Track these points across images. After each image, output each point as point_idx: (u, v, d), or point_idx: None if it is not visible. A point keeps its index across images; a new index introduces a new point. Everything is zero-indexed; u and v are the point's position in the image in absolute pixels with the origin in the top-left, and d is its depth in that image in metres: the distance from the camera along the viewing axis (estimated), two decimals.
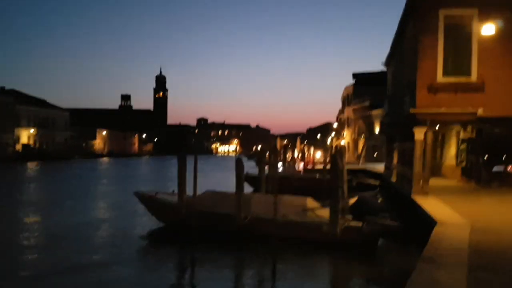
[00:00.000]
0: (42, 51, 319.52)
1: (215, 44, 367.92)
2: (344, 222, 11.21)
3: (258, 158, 15.24)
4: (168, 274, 10.32)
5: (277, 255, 10.93)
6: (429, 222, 10.67)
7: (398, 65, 23.49)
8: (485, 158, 19.31)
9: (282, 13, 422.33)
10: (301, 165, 33.73)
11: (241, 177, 11.81)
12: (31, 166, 56.54)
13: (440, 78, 15.66)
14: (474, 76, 15.37)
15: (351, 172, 27.95)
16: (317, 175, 27.42)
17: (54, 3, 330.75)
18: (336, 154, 11.05)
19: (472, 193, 16.75)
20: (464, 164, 21.00)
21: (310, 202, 12.55)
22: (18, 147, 78.61)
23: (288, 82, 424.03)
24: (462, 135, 21.50)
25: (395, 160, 24.20)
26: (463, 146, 21.28)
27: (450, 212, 11.50)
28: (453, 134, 22.76)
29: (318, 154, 48.71)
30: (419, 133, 15.94)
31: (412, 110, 15.90)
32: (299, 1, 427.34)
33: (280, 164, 33.33)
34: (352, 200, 12.23)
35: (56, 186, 31.07)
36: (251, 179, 25.56)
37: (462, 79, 15.49)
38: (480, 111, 15.23)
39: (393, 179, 23.35)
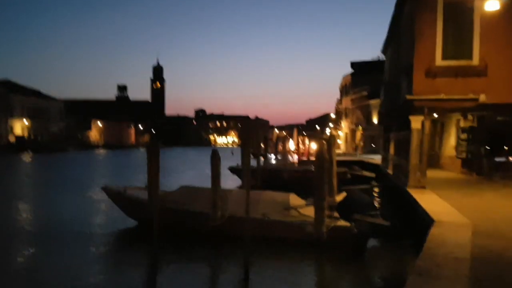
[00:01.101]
0: (37, 42, 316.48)
1: (213, 35, 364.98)
2: (331, 221, 10.01)
3: (243, 150, 13.83)
4: (133, 279, 9.18)
5: (255, 258, 9.77)
6: (425, 221, 9.49)
7: (395, 50, 22.18)
8: (487, 148, 18.14)
9: (280, 3, 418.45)
10: (295, 157, 32.48)
11: (217, 171, 10.56)
12: (23, 157, 55.34)
13: (438, 61, 14.38)
14: (475, 59, 14.09)
15: (346, 163, 26.74)
16: (312, 167, 26.18)
17: None
18: (322, 145, 9.82)
19: (473, 186, 15.57)
20: (464, 155, 19.78)
21: (294, 199, 11.32)
22: (12, 138, 77.33)
23: (288, 73, 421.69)
24: (462, 123, 20.25)
25: (391, 151, 22.99)
26: (463, 136, 20.03)
27: (449, 208, 10.30)
28: (453, 123, 21.52)
29: (314, 146, 47.39)
30: (416, 122, 14.71)
31: (408, 97, 14.64)
32: None
33: (273, 156, 32.26)
34: (340, 197, 11.01)
35: (39, 179, 29.90)
36: (241, 172, 24.38)
37: (462, 63, 14.21)
38: (482, 97, 13.98)
39: (390, 171, 22.16)
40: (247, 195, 8.88)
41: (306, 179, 21.12)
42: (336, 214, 10.69)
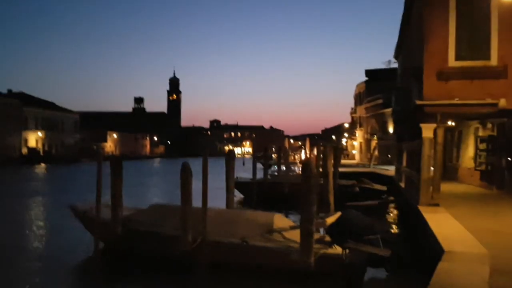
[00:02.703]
0: (54, 54, 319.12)
1: (228, 46, 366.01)
2: (320, 248, 8.45)
3: (227, 162, 12.45)
4: None
5: None
6: (435, 249, 7.87)
7: (406, 54, 20.59)
8: (508, 159, 16.32)
9: (295, 14, 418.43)
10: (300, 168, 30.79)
11: (187, 187, 9.09)
12: (34, 169, 54.82)
13: (452, 62, 12.76)
14: (494, 59, 12.42)
15: (356, 175, 25.08)
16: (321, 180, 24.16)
17: (65, 5, 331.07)
18: (309, 160, 8.28)
19: (493, 202, 13.79)
20: (484, 166, 17.95)
21: (279, 220, 9.77)
22: (24, 150, 77.48)
23: (303, 82, 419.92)
24: (481, 132, 18.44)
25: (404, 162, 21.25)
26: (482, 146, 18.21)
27: (464, 233, 8.63)
28: (470, 132, 19.71)
29: None
30: (427, 130, 13.06)
31: (418, 102, 13.03)
32: (310, 1, 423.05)
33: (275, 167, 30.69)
34: (333, 218, 9.44)
35: (32, 191, 28.75)
36: (241, 185, 22.90)
37: (479, 63, 12.55)
38: (502, 102, 12.27)
39: (403, 184, 20.41)
40: (204, 213, 7.39)
41: None
42: (327, 238, 9.12)
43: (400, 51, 24.83)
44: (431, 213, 11.33)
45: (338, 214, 9.47)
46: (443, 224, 9.58)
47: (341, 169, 28.15)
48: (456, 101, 12.55)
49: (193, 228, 9.36)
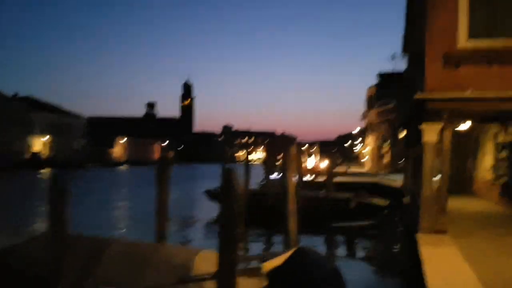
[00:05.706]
0: (65, 59, 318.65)
1: (240, 51, 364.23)
2: None
3: (159, 176, 9.26)
4: None
5: None
6: None
7: (413, 42, 17.39)
8: None
9: (308, 19, 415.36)
10: (296, 177, 27.52)
11: (62, 212, 6.12)
12: (35, 174, 52.59)
13: (462, 42, 9.59)
14: None
15: (355, 186, 21.78)
16: (320, 192, 20.62)
17: (76, 9, 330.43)
18: (230, 171, 5.28)
19: None
20: (504, 179, 14.61)
21: (202, 261, 6.66)
22: (28, 155, 76.10)
23: (319, 88, 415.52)
24: (501, 137, 15.09)
25: (410, 172, 18.00)
26: (502, 154, 14.88)
27: None
28: (489, 137, 16.35)
29: (324, 163, 42.00)
30: (429, 133, 9.91)
31: (418, 95, 9.88)
32: (324, 7, 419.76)
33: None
34: (278, 260, 6.32)
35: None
36: (217, 197, 19.85)
37: (500, 43, 9.37)
38: None
39: (406, 199, 17.16)
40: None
41: (305, 205, 16.18)
42: None
43: (407, 42, 21.61)
44: (433, 246, 8.19)
45: (291, 251, 6.42)
46: (447, 271, 6.41)
47: (342, 179, 24.91)
48: (468, 93, 9.38)
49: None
